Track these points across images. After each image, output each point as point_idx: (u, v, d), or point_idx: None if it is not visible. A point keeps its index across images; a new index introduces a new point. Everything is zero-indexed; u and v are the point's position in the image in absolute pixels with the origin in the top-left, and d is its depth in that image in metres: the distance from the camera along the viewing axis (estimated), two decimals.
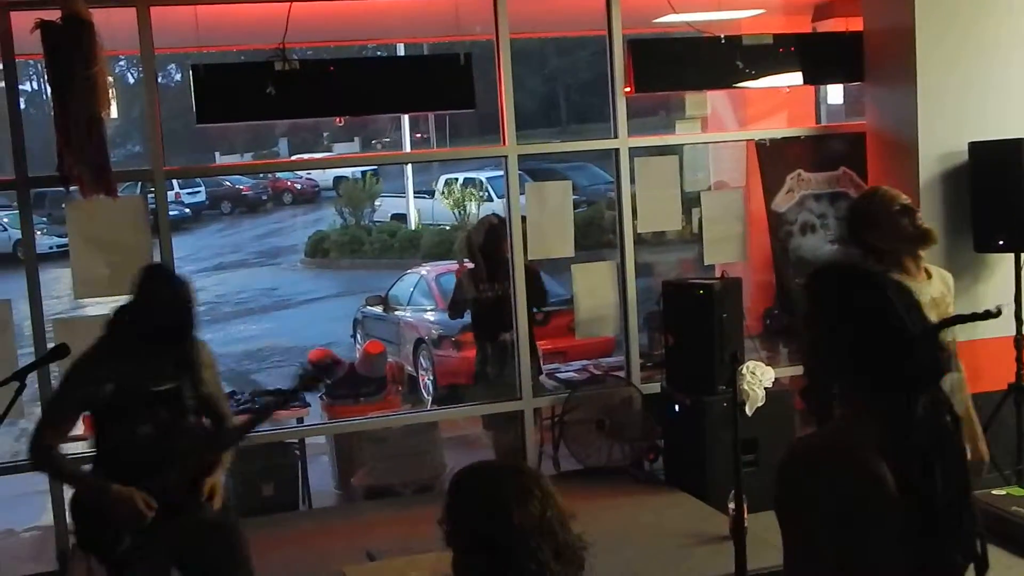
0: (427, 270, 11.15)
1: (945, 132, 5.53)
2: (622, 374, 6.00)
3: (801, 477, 1.82)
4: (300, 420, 6.06)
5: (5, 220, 22.01)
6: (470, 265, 6.64)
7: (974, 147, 5.46)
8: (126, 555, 3.28)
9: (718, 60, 5.83)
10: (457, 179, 20.74)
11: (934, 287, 3.59)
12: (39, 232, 5.36)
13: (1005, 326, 5.32)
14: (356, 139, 28.68)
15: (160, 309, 3.32)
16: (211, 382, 3.46)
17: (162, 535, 3.27)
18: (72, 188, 4.92)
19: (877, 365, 1.81)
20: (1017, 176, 5.27)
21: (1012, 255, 5.36)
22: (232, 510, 3.55)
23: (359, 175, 22.67)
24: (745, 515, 3.69)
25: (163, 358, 3.30)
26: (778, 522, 1.85)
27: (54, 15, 4.75)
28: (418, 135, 24.44)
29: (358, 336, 11.05)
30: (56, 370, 4.81)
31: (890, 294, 1.83)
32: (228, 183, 26.72)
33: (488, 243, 6.27)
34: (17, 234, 19.61)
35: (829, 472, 1.79)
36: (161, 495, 3.26)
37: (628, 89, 5.74)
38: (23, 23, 4.82)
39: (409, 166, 20.66)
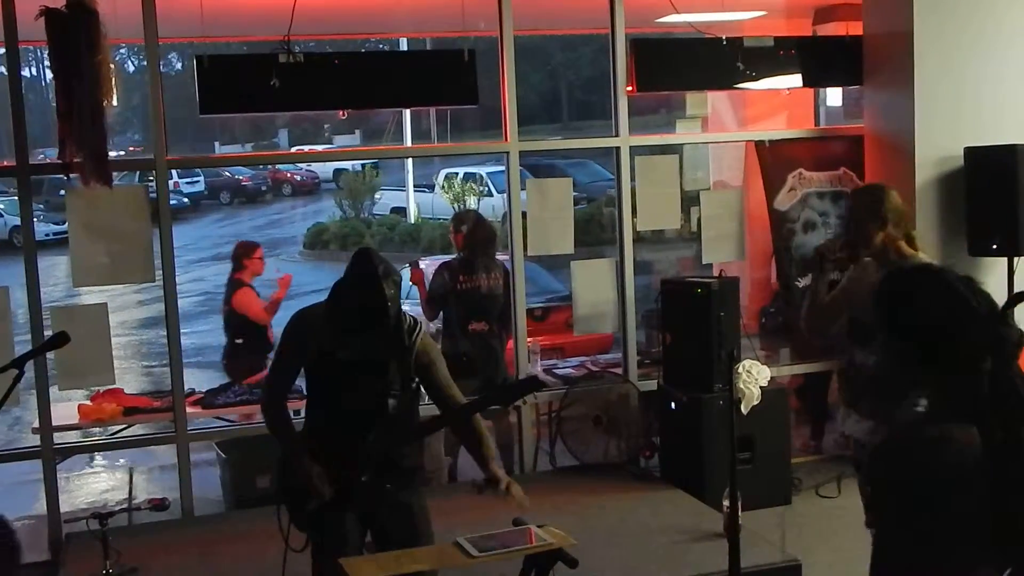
0: (426, 264, 11.15)
1: (941, 137, 5.57)
2: (619, 371, 6.03)
3: (890, 456, 1.95)
4: (297, 412, 6.07)
5: (0, 206, 21.95)
6: (424, 262, 6.67)
7: (970, 152, 5.50)
8: (314, 515, 3.37)
9: (719, 61, 5.86)
10: (457, 173, 20.75)
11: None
12: (35, 219, 5.35)
13: None
14: (357, 131, 28.67)
15: (352, 295, 3.30)
16: (427, 371, 3.43)
17: (354, 502, 3.35)
18: (72, 176, 4.93)
19: (936, 345, 1.95)
20: (1011, 182, 5.31)
21: (1005, 259, 5.39)
22: (420, 492, 3.56)
23: (359, 167, 22.66)
24: (739, 512, 3.72)
25: (371, 335, 3.28)
26: (874, 502, 1.98)
27: (58, 2, 4.77)
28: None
29: None
30: (53, 358, 4.85)
31: (953, 282, 2.00)
32: (228, 173, 26.70)
33: (474, 236, 6.24)
34: (12, 220, 19.58)
35: (913, 445, 1.91)
36: (355, 465, 3.32)
37: (630, 88, 5.76)
38: (26, 9, 4.83)
39: (410, 160, 20.67)
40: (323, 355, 3.35)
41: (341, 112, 5.92)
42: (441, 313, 6.16)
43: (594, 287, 5.96)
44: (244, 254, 6.80)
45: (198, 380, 7.83)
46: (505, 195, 5.96)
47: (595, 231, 14.62)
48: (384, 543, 3.46)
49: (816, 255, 3.82)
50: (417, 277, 6.33)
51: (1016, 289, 5.38)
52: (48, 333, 4.81)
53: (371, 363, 3.33)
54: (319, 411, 3.49)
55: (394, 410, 3.37)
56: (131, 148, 26.59)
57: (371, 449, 3.32)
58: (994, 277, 5.53)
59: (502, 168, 5.97)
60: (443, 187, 20.88)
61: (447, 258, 6.47)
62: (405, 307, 3.60)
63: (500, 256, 6.25)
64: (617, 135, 5.84)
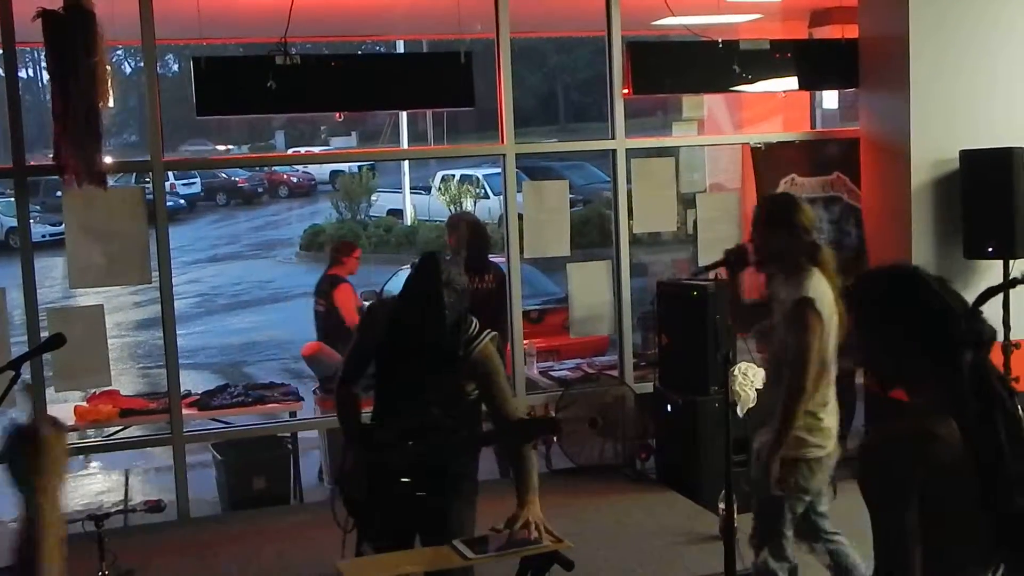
0: None
1: (937, 139, 5.58)
2: (615, 373, 6.03)
3: (881, 454, 1.94)
4: (293, 414, 6.08)
5: None
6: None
7: (965, 155, 5.51)
8: (356, 504, 3.37)
9: (715, 64, 5.87)
10: (454, 175, 20.76)
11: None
12: (31, 220, 5.35)
13: None
14: (353, 133, 28.67)
15: (412, 297, 3.29)
16: (484, 383, 3.35)
17: (401, 503, 3.31)
18: (66, 177, 4.93)
19: (931, 340, 1.95)
20: (1007, 185, 5.32)
21: (1001, 262, 5.41)
22: (464, 499, 3.45)
23: (355, 169, 22.66)
24: (735, 515, 3.73)
25: (423, 347, 3.26)
26: (867, 506, 1.93)
27: (56, 4, 4.77)
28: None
29: None
30: (49, 359, 4.84)
31: (929, 281, 2.00)
32: (224, 175, 26.70)
33: (466, 239, 6.24)
34: (8, 222, 19.51)
35: (903, 442, 1.91)
36: (396, 466, 3.29)
37: (626, 91, 5.77)
38: (22, 11, 4.83)
39: (406, 162, 20.68)
40: (382, 349, 3.36)
41: (337, 114, 5.92)
42: None
43: (590, 289, 5.97)
44: (343, 252, 7.03)
45: (194, 382, 7.83)
46: (501, 197, 5.96)
47: (591, 233, 14.65)
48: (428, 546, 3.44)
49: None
50: None
51: (1012, 292, 5.40)
52: (44, 334, 4.82)
53: (420, 369, 3.30)
54: (377, 403, 3.50)
55: (441, 420, 3.31)
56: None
57: (408, 453, 3.29)
58: (990, 279, 5.55)
59: (498, 170, 5.97)
60: (439, 189, 20.89)
61: None
62: None
63: (496, 258, 6.26)
64: (613, 138, 5.85)
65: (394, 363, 3.35)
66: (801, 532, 3.71)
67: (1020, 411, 1.94)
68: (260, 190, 27.14)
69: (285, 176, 26.98)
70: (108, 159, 5.12)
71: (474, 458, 3.55)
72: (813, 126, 7.40)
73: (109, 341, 5.35)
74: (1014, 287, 2.36)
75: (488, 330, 3.39)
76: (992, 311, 5.76)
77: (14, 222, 5.57)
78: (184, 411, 5.55)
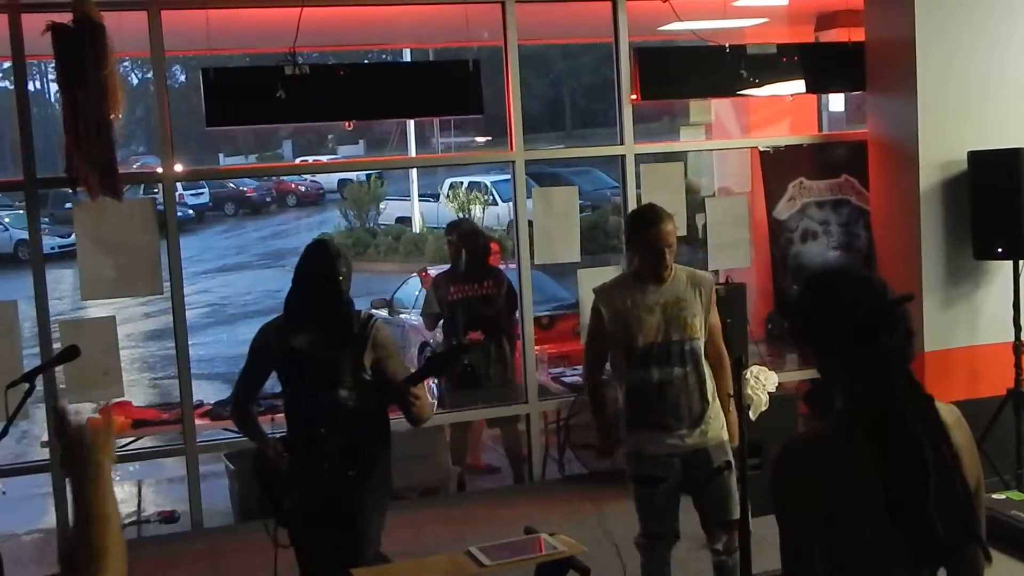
0: (435, 272, 11.15)
1: (945, 141, 5.58)
2: None
3: (790, 467, 1.93)
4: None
5: (6, 220, 22.00)
6: (432, 271, 6.76)
7: (974, 156, 5.50)
8: (289, 514, 3.46)
9: (723, 68, 5.88)
10: (462, 182, 20.78)
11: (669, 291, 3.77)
12: (41, 232, 5.38)
13: (1004, 332, 5.35)
14: (361, 142, 28.73)
15: (303, 280, 3.55)
16: (384, 363, 3.54)
17: (320, 496, 3.44)
18: (79, 189, 4.95)
19: (848, 351, 1.92)
20: (1016, 185, 5.31)
21: (1011, 262, 5.40)
22: (377, 492, 3.58)
23: (363, 177, 22.70)
24: (749, 519, 3.72)
25: (323, 330, 3.47)
26: (776, 517, 1.92)
27: (65, 17, 4.80)
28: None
29: None
30: (61, 371, 4.86)
31: (849, 291, 1.95)
32: (232, 185, 26.77)
33: (468, 245, 6.25)
34: (18, 234, 19.62)
35: (813, 456, 1.90)
36: (318, 458, 3.42)
37: (634, 96, 5.78)
38: (32, 24, 4.86)
39: (414, 169, 20.72)
40: (284, 354, 3.52)
41: (347, 123, 5.94)
42: (441, 323, 6.21)
43: None
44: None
45: (205, 392, 7.84)
46: (511, 204, 5.97)
47: (599, 238, 14.66)
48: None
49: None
50: (428, 283, 6.40)
51: (1023, 292, 5.38)
52: (57, 346, 4.84)
53: (323, 354, 3.46)
54: (288, 408, 3.64)
55: (347, 401, 3.46)
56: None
57: (327, 440, 3.40)
58: (1000, 280, 5.54)
59: (506, 177, 5.98)
60: (448, 196, 20.91)
61: (444, 267, 6.52)
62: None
63: (505, 265, 6.26)
64: (622, 143, 5.85)
65: (295, 361, 3.49)
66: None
67: (937, 416, 1.90)
68: (268, 200, 27.21)
69: (293, 185, 27.04)
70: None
71: (387, 445, 3.62)
72: (820, 129, 7.39)
73: (120, 352, 5.36)
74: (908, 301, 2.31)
75: (373, 313, 3.67)
76: (1003, 312, 5.77)
77: (24, 234, 5.58)
78: (196, 421, 5.57)
